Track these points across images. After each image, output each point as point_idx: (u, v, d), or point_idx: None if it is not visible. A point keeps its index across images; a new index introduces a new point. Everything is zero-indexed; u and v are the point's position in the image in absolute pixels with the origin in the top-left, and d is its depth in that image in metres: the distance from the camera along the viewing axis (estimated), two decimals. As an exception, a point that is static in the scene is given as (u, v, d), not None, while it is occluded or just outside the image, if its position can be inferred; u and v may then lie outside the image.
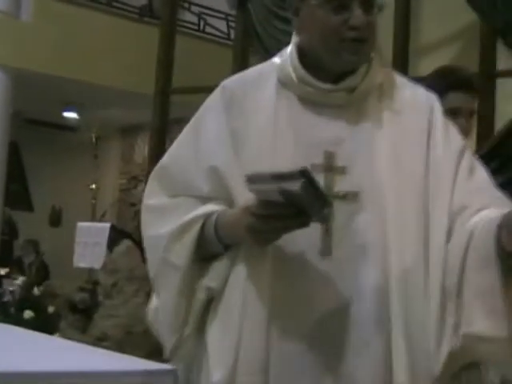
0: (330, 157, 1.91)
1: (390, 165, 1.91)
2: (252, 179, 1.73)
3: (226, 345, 1.85)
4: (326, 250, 1.86)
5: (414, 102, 2.00)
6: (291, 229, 1.77)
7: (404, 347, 1.80)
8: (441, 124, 1.98)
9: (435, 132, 1.96)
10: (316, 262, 1.86)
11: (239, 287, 1.87)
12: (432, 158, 1.94)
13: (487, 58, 6.02)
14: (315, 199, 1.66)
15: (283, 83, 1.98)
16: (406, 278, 1.83)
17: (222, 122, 1.97)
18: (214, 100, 2.02)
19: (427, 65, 6.18)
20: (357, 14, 1.89)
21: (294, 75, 1.96)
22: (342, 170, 1.91)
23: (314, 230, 1.80)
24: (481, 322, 1.79)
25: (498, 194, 1.95)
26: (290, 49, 2.02)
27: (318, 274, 1.85)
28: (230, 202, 1.92)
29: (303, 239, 1.84)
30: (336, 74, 1.94)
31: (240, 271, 1.88)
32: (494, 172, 5.73)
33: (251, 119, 1.95)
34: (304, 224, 1.75)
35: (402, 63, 6.23)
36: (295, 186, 1.62)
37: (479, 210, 1.88)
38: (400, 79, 2.04)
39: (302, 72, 1.96)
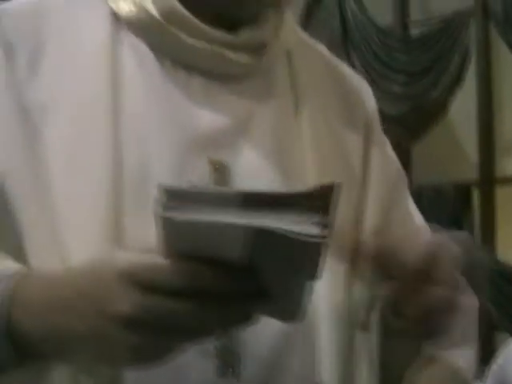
0: (220, 170, 1.01)
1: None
2: (182, 197, 0.76)
3: None
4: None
5: (344, 89, 1.18)
6: (228, 325, 0.80)
7: None
8: (378, 135, 1.20)
9: (373, 148, 1.16)
10: None
11: None
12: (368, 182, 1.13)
13: None
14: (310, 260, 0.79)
15: (128, 21, 1.04)
16: None
17: (1, 89, 0.98)
18: None
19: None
20: None
21: (154, 10, 1.02)
22: None
23: None
24: None
25: None
26: None
27: None
28: (19, 252, 0.93)
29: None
30: (223, 17, 1.05)
31: None
32: None
33: (66, 86, 0.99)
34: (247, 318, 0.80)
35: (488, 164, 6.18)
36: (309, 229, 0.75)
37: None
38: (316, 44, 1.20)
39: (176, 4, 1.03)
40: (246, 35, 1.05)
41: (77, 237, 0.91)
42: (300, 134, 1.08)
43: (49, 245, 0.92)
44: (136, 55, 1.02)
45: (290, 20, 1.13)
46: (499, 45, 6.25)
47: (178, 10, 1.01)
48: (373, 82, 6.24)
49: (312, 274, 0.79)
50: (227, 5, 1.03)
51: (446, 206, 6.02)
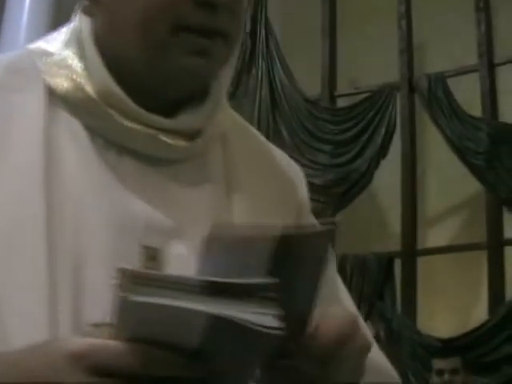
0: (151, 258, 0.99)
1: None
2: (143, 280, 0.76)
3: None
4: None
5: (278, 174, 1.17)
6: None
7: None
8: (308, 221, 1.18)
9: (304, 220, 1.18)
10: None
11: None
12: None
13: (494, 226, 6.11)
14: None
15: (63, 97, 1.02)
16: None
17: None
18: None
19: (436, 236, 6.28)
20: None
21: (90, 88, 1.01)
22: None
23: None
24: None
25: None
26: (75, 34, 1.06)
27: None
28: None
29: None
30: (160, 101, 1.04)
31: None
32: (507, 340, 5.71)
33: None
34: None
35: (410, 235, 6.31)
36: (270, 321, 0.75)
37: None
38: (250, 127, 1.20)
39: (112, 85, 1.01)
40: (182, 120, 1.03)
41: (15, 317, 0.89)
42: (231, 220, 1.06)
43: None
44: (70, 132, 1.00)
45: (225, 103, 1.11)
46: (423, 117, 6.42)
47: (114, 90, 1.00)
48: (299, 151, 6.34)
49: (260, 362, 0.80)
50: (160, 85, 1.02)
51: (369, 275, 6.10)
